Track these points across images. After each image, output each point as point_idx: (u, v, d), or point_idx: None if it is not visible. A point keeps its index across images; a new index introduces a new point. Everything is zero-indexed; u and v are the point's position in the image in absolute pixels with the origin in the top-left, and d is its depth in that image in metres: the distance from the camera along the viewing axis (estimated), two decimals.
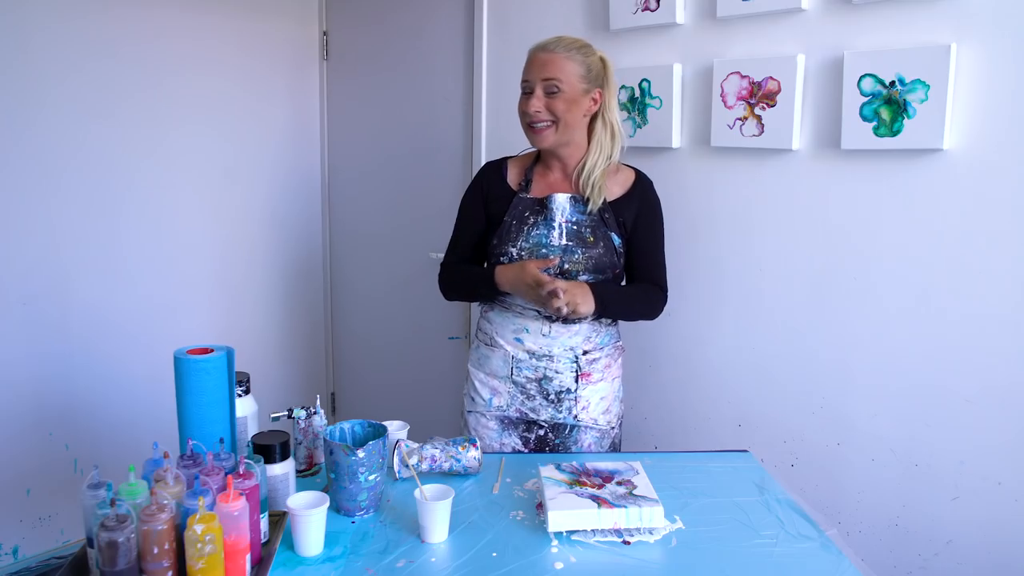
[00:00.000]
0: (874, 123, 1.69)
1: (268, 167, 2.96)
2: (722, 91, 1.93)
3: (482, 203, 1.77)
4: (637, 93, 2.11)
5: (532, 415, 1.73)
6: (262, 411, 1.47)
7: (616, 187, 1.73)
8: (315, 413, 1.53)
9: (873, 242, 1.76)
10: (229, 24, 2.76)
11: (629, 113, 2.13)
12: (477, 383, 1.78)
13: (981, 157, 1.59)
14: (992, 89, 1.56)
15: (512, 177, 1.77)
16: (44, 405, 2.38)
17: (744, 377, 2.02)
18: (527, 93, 1.66)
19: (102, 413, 2.50)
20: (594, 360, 1.72)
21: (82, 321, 2.45)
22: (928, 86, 1.60)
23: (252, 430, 1.40)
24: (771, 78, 1.84)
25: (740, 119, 1.91)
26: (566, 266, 1.66)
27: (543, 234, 1.67)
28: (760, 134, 1.88)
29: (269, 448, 1.28)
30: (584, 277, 1.66)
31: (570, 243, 1.66)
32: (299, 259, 3.14)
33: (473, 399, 1.79)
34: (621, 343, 1.82)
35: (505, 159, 1.83)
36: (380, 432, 1.39)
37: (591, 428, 1.75)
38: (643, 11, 2.07)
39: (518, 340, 1.72)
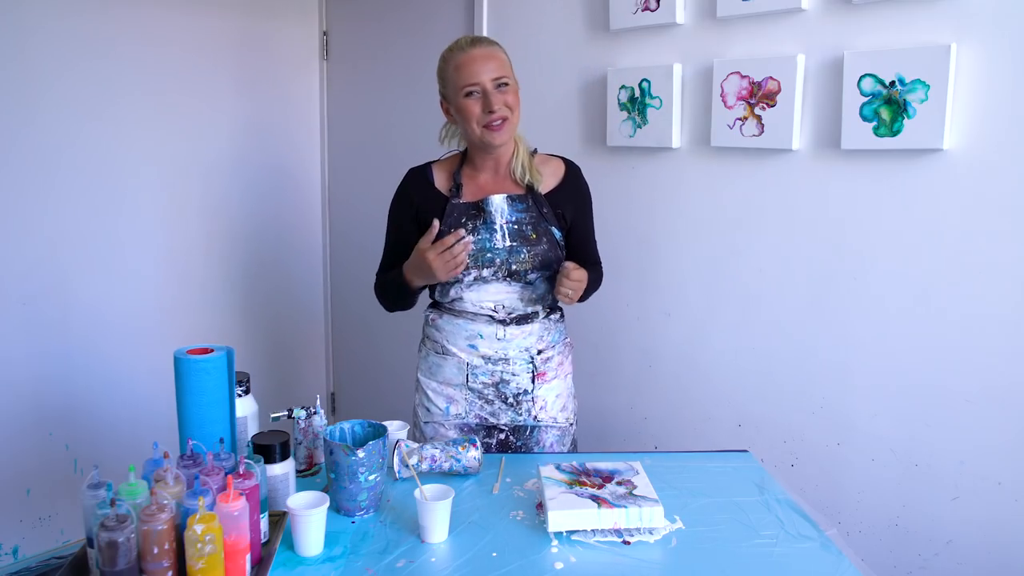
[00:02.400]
0: (874, 123, 1.69)
1: (268, 167, 2.96)
2: (722, 91, 1.93)
3: (411, 213, 1.70)
4: (637, 93, 2.11)
5: (492, 420, 1.70)
6: (262, 411, 1.47)
7: (550, 179, 1.71)
8: (315, 413, 1.53)
9: (873, 242, 1.76)
10: (229, 24, 2.76)
11: (629, 113, 2.13)
12: (430, 393, 1.73)
13: (981, 157, 1.59)
14: (992, 89, 1.57)
15: (440, 182, 1.70)
16: (44, 405, 2.38)
17: (744, 377, 2.02)
18: (476, 96, 1.59)
19: (102, 413, 2.50)
20: (548, 359, 1.71)
21: (82, 321, 2.45)
22: (928, 86, 1.60)
23: (252, 430, 1.40)
24: (771, 78, 1.84)
25: (740, 119, 1.91)
26: (514, 267, 1.63)
27: (486, 238, 1.62)
28: (760, 134, 1.88)
29: (269, 448, 1.28)
30: (533, 275, 1.65)
31: (514, 243, 1.63)
32: (299, 259, 3.14)
33: (428, 409, 1.73)
34: (570, 339, 1.81)
35: (428, 164, 1.75)
36: (380, 432, 1.39)
37: (551, 427, 1.73)
38: (643, 11, 2.07)
39: (472, 347, 1.68)
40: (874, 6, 1.70)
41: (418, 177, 1.73)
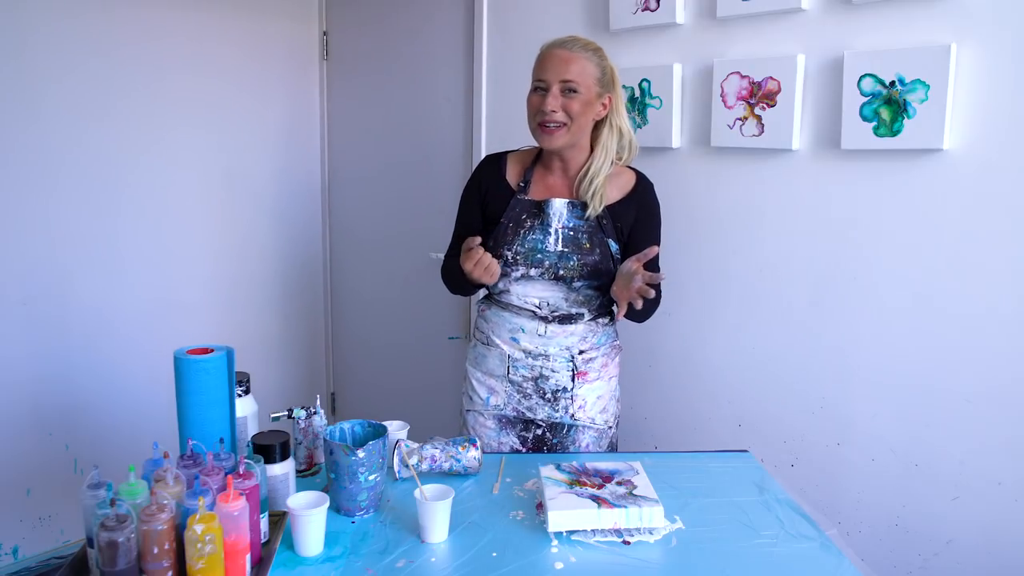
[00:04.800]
0: (874, 123, 1.69)
1: (268, 167, 2.96)
2: (722, 91, 1.93)
3: (479, 199, 1.74)
4: (637, 93, 2.11)
5: (529, 414, 1.73)
6: (262, 411, 1.47)
7: (615, 191, 1.69)
8: (315, 413, 1.53)
9: (873, 242, 1.76)
10: (229, 24, 2.76)
11: (629, 113, 2.13)
12: (474, 382, 1.78)
13: (981, 157, 1.59)
14: (992, 89, 1.57)
15: (512, 175, 1.73)
16: (44, 405, 2.38)
17: (744, 377, 2.02)
18: (541, 92, 1.61)
19: (102, 413, 2.50)
20: (591, 359, 1.72)
21: (82, 321, 2.45)
22: (928, 86, 1.60)
23: (252, 430, 1.40)
24: (771, 78, 1.84)
25: (740, 119, 1.91)
26: (561, 272, 1.64)
27: (539, 239, 1.64)
28: (760, 134, 1.88)
29: (269, 448, 1.28)
30: (579, 283, 1.65)
31: (566, 249, 1.64)
32: (299, 259, 3.14)
33: (471, 398, 1.79)
34: (619, 342, 1.81)
35: (505, 154, 1.78)
36: (380, 432, 1.39)
37: (589, 428, 1.74)
38: (643, 11, 2.07)
39: (514, 339, 1.71)
40: (874, 6, 1.70)
41: (491, 165, 1.77)
